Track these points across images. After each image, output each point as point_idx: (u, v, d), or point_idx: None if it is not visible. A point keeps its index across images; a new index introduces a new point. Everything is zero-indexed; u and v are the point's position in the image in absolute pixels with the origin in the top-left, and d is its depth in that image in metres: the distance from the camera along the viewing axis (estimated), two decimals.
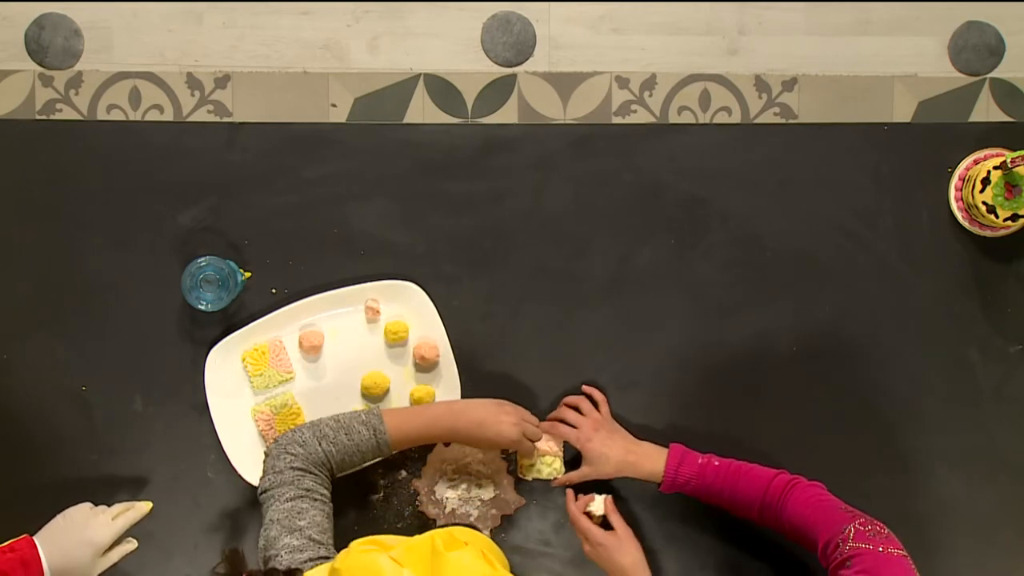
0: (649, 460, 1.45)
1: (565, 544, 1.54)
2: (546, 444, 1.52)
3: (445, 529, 1.15)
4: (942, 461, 1.58)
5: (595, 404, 1.54)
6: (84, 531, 1.31)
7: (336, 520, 1.41)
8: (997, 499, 1.58)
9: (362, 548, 1.11)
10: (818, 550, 1.28)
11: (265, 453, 1.35)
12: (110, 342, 1.55)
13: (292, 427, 1.38)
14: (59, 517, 1.33)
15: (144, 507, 1.38)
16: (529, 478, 1.51)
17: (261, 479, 1.33)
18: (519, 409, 1.45)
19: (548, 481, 1.52)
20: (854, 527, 1.26)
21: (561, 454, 1.52)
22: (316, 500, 1.29)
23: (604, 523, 1.44)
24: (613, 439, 1.47)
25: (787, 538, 1.36)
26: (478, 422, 1.40)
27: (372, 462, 1.42)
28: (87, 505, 1.36)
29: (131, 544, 1.36)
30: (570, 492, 1.48)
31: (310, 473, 1.31)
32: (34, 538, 1.29)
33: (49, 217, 1.56)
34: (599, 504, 1.44)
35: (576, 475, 1.49)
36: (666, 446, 1.47)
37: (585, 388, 1.55)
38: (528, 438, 1.45)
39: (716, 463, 1.43)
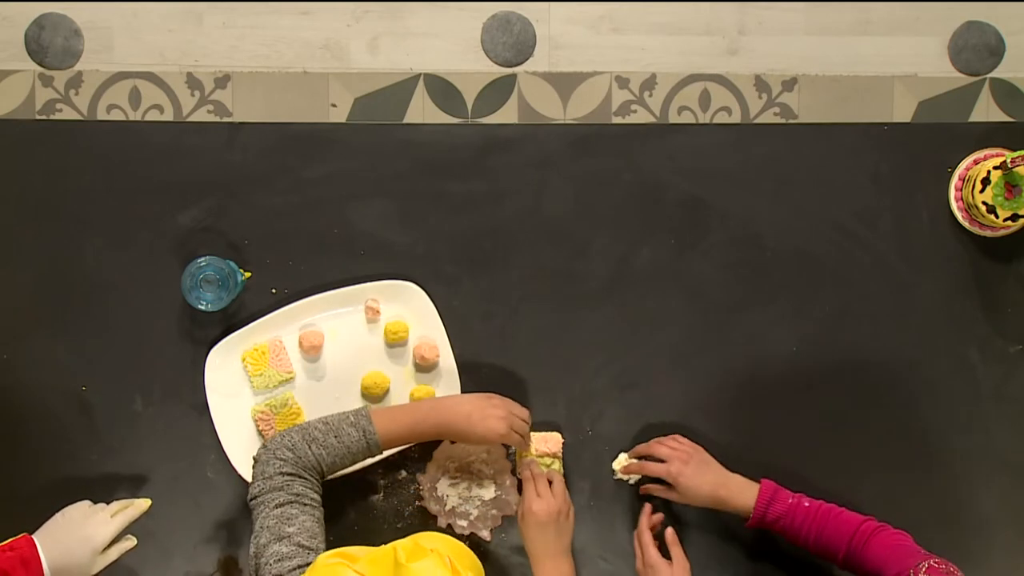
0: (740, 495, 1.43)
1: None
2: (544, 446, 1.52)
3: (411, 537, 1.14)
4: (942, 461, 1.58)
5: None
6: (83, 529, 1.31)
7: (336, 520, 1.41)
8: (997, 499, 1.59)
9: (327, 562, 1.10)
10: None
11: (254, 459, 1.33)
12: (110, 342, 1.55)
13: (280, 432, 1.35)
14: (58, 515, 1.33)
15: (143, 504, 1.38)
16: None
17: (250, 485, 1.31)
18: (507, 402, 1.45)
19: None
20: (929, 563, 1.25)
21: (560, 455, 1.52)
22: (306, 505, 1.27)
23: (662, 548, 1.45)
24: (704, 472, 1.45)
25: None
26: (465, 416, 1.40)
27: (363, 463, 1.42)
28: (86, 503, 1.36)
29: (130, 541, 1.36)
30: (648, 506, 1.49)
31: (300, 478, 1.30)
32: (33, 536, 1.29)
33: (49, 217, 1.56)
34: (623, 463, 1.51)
35: (662, 491, 1.48)
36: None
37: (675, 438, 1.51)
38: (516, 432, 1.43)
39: (807, 504, 1.41)
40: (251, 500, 1.29)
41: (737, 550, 1.54)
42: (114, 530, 1.33)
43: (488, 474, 1.52)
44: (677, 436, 1.51)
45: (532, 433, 1.52)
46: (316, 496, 1.30)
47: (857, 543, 1.36)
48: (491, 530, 1.52)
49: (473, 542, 1.53)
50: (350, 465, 1.38)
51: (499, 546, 1.54)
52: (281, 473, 1.29)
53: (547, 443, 1.51)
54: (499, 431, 1.41)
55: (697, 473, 1.44)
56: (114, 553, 1.34)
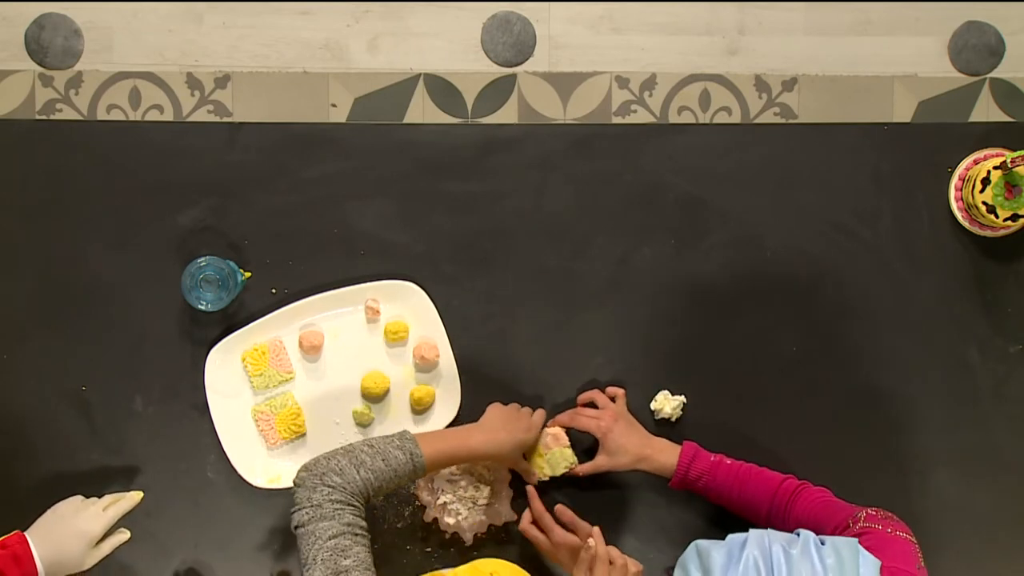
0: (663, 454, 1.47)
1: (538, 569, 1.53)
2: (556, 443, 1.50)
3: (467, 564, 1.15)
4: (942, 461, 1.59)
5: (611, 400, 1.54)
6: (75, 523, 1.31)
7: None
8: (997, 499, 1.59)
9: None
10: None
11: (296, 483, 1.26)
12: (110, 342, 1.55)
13: (324, 454, 1.29)
14: (49, 511, 1.34)
15: (135, 497, 1.37)
16: (547, 477, 1.49)
17: (295, 511, 1.24)
18: (525, 414, 1.48)
19: (564, 478, 1.50)
20: (866, 512, 1.30)
21: (569, 444, 1.51)
22: (358, 535, 1.22)
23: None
24: (630, 432, 1.49)
25: None
26: (503, 422, 1.43)
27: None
28: (77, 498, 1.36)
29: (123, 534, 1.36)
30: (532, 489, 1.46)
31: (350, 506, 1.24)
32: (25, 533, 1.30)
33: (49, 217, 1.56)
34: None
35: (590, 466, 1.49)
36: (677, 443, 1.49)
37: (609, 390, 1.55)
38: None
39: (728, 462, 1.45)
40: (297, 528, 1.23)
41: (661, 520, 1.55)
42: (106, 523, 1.33)
43: (487, 479, 1.51)
44: (611, 390, 1.54)
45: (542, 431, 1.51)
46: (365, 523, 1.25)
47: (780, 500, 1.40)
48: (475, 535, 1.51)
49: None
50: (391, 490, 1.33)
51: (475, 557, 1.53)
52: (331, 501, 1.23)
53: (559, 440, 1.50)
54: (530, 432, 1.44)
55: (625, 431, 1.48)
56: (107, 547, 1.33)
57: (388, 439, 1.33)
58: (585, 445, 1.53)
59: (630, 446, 1.47)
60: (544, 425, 1.52)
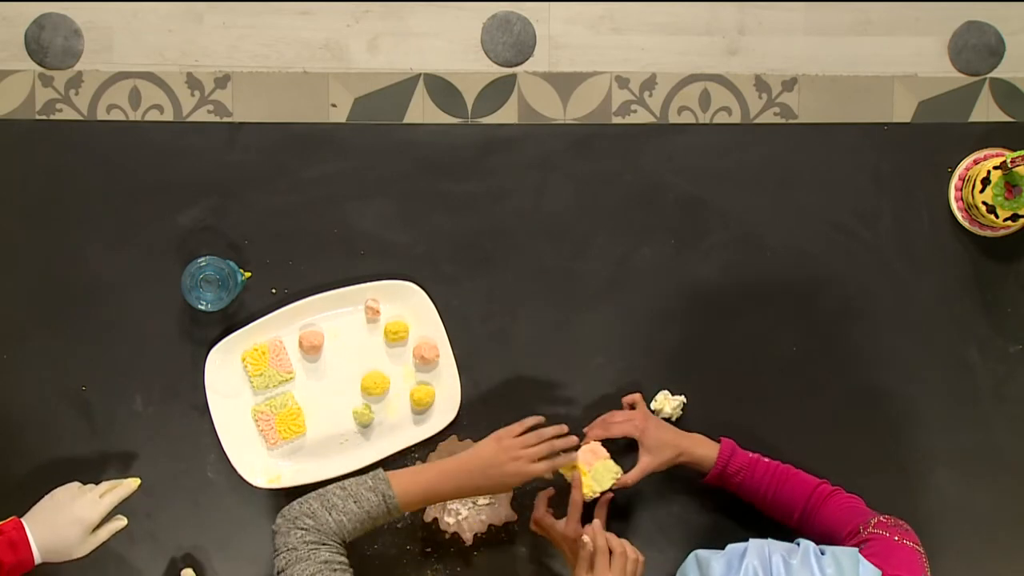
0: (700, 447, 1.46)
1: (538, 569, 1.54)
2: (595, 457, 1.46)
3: None
4: (942, 461, 1.59)
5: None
6: (72, 510, 1.31)
7: None
8: (997, 499, 1.59)
9: None
10: (840, 541, 1.30)
11: (274, 530, 1.28)
12: (110, 342, 1.55)
13: (297, 499, 1.30)
14: (46, 498, 1.34)
15: (132, 483, 1.37)
16: (596, 494, 1.44)
17: (275, 556, 1.26)
18: (520, 440, 1.39)
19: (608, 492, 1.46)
20: (878, 518, 1.30)
21: (609, 455, 1.47)
22: (336, 570, 1.23)
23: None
24: (663, 427, 1.49)
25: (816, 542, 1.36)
26: (481, 471, 1.36)
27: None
28: (75, 484, 1.36)
29: (120, 521, 1.36)
30: (578, 500, 1.41)
31: (324, 545, 1.25)
32: (22, 519, 1.30)
33: (49, 217, 1.56)
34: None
35: (637, 471, 1.45)
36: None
37: (626, 398, 1.54)
38: (537, 465, 1.37)
39: (766, 461, 1.46)
40: (279, 573, 1.24)
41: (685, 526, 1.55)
42: (103, 510, 1.33)
43: None
44: (630, 398, 1.53)
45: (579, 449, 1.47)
46: (344, 560, 1.26)
47: (814, 503, 1.40)
48: (475, 535, 1.51)
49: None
50: (372, 528, 1.33)
51: (474, 557, 1.54)
52: (305, 543, 1.25)
53: (597, 454, 1.47)
54: (515, 479, 1.37)
55: (659, 427, 1.48)
56: (104, 533, 1.33)
57: (361, 480, 1.32)
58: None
59: (669, 440, 1.46)
60: (578, 446, 1.46)
